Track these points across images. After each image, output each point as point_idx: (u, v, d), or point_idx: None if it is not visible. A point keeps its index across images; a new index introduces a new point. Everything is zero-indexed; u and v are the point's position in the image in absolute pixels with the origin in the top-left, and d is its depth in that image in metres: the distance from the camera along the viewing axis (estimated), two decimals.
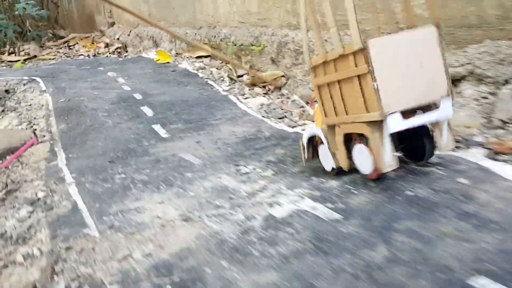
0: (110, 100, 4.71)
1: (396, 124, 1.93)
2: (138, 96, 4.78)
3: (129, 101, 4.62)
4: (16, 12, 10.02)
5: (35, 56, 10.04)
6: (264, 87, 4.58)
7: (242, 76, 5.13)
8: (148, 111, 4.26)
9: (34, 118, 4.42)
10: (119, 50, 9.82)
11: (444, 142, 2.15)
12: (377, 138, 1.97)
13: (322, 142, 2.39)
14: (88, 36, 11.99)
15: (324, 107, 2.27)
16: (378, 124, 1.95)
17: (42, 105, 4.91)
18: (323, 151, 2.40)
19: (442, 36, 2.00)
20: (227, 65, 5.35)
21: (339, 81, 2.07)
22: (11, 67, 9.34)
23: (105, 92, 5.07)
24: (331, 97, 2.17)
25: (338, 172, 2.37)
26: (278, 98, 4.31)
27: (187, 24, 7.15)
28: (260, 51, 5.02)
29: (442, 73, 1.96)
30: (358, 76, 1.92)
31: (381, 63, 1.86)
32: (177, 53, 7.17)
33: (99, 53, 9.87)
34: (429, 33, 1.94)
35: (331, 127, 2.30)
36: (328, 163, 2.40)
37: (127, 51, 9.71)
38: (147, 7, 8.71)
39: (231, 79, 5.11)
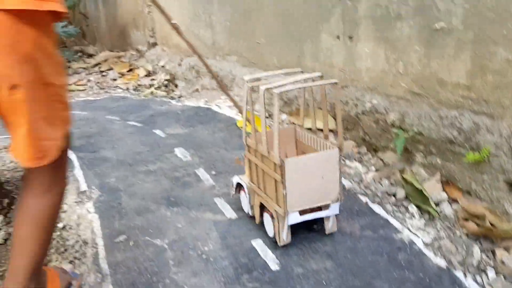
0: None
1: (294, 219, 2.45)
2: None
3: None
4: None
5: None
6: None
7: (438, 204, 2.87)
8: None
9: None
10: (166, 83, 7.62)
11: (329, 227, 2.63)
12: (280, 222, 2.47)
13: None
14: (122, 56, 9.84)
15: (251, 174, 2.75)
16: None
17: (82, 244, 2.69)
18: (244, 197, 2.89)
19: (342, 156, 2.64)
20: (404, 176, 3.08)
21: (263, 170, 2.55)
22: None
23: (207, 227, 2.78)
24: (256, 173, 2.65)
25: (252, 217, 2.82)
26: None
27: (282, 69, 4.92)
28: (478, 162, 2.78)
29: (336, 184, 2.47)
30: (275, 179, 2.42)
31: (292, 176, 2.35)
32: (269, 114, 4.93)
33: (140, 85, 7.68)
34: (333, 154, 2.45)
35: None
36: (246, 207, 2.88)
37: (176, 86, 7.52)
38: (211, 33, 6.49)
39: (420, 208, 2.86)
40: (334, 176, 2.47)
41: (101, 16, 11.16)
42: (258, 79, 2.71)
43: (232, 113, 5.16)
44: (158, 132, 4.74)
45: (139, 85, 7.72)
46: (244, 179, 2.89)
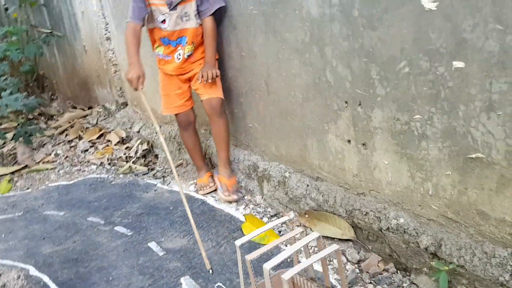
0: None
1: None
2: None
3: None
4: None
5: (26, 166, 7.22)
6: None
7: None
8: None
9: None
10: (143, 153, 7.09)
11: None
12: None
13: None
14: (88, 115, 9.19)
15: None
16: None
17: None
18: None
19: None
20: None
21: None
22: None
23: None
24: None
25: None
26: None
27: (286, 161, 4.55)
28: None
29: None
30: None
31: None
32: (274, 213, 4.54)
33: (115, 159, 7.10)
34: None
35: None
36: None
37: (156, 156, 7.01)
38: None
39: None
40: None
41: (59, 66, 10.47)
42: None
43: (232, 209, 4.75)
44: (153, 246, 4.27)
45: (114, 159, 7.15)
46: None
